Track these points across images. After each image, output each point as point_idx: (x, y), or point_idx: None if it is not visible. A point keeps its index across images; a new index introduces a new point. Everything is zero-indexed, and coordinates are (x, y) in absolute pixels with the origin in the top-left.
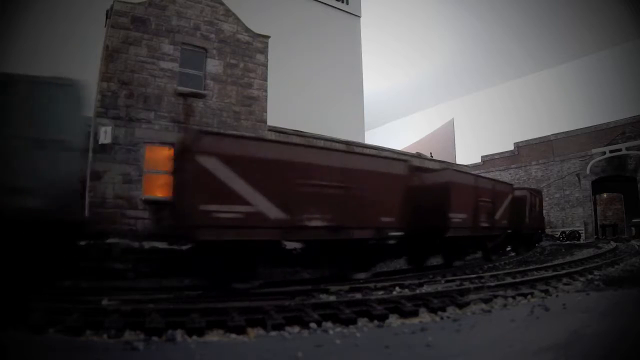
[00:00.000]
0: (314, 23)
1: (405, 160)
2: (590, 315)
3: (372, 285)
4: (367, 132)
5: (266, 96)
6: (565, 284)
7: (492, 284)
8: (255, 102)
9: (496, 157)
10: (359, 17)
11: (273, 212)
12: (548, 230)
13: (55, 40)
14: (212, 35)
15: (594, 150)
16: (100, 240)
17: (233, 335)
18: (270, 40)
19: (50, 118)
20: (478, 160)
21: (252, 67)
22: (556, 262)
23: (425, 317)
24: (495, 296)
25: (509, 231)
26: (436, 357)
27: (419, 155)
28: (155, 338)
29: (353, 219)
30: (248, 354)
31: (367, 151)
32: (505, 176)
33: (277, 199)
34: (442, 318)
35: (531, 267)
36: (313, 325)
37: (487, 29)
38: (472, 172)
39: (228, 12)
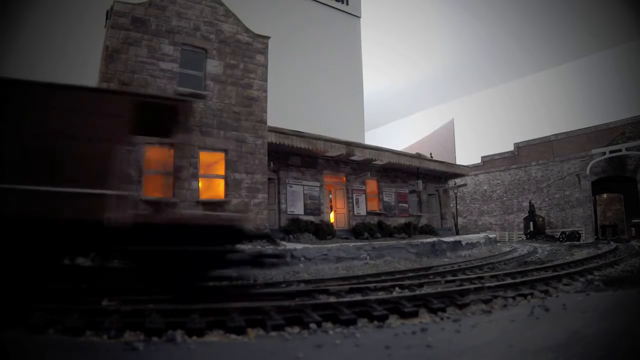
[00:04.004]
0: (314, 23)
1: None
2: (590, 315)
3: (372, 285)
4: (367, 132)
5: (266, 97)
6: (565, 285)
7: (492, 284)
8: (255, 103)
9: (496, 157)
10: (359, 17)
11: None
12: (548, 231)
13: (55, 41)
14: (212, 36)
15: (594, 151)
16: None
17: (233, 336)
18: (270, 41)
19: None
20: (478, 160)
21: (252, 68)
22: (556, 262)
23: (425, 317)
24: (495, 297)
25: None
26: (436, 357)
27: (419, 156)
28: (155, 338)
29: None
30: (248, 354)
31: None
32: (505, 177)
33: None
34: (442, 319)
35: (531, 267)
36: (313, 325)
37: (487, 29)
38: None
39: (228, 13)
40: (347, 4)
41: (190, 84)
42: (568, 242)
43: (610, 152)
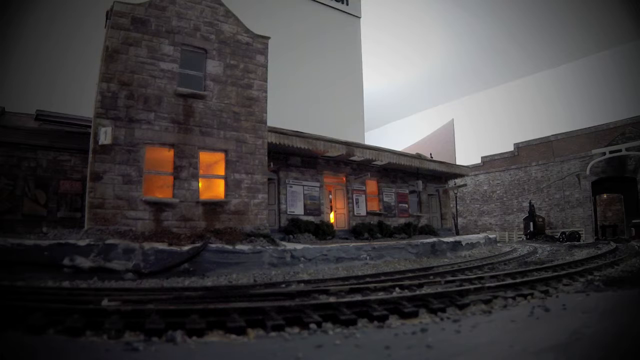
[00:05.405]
0: (314, 24)
1: None
2: (590, 315)
3: (371, 286)
4: (367, 132)
5: (266, 97)
6: (565, 285)
7: (492, 284)
8: (255, 103)
9: (496, 157)
10: (359, 17)
11: None
12: (548, 231)
13: (56, 41)
14: (212, 36)
15: (594, 151)
16: None
17: (233, 336)
18: (270, 41)
19: None
20: (478, 160)
21: (252, 68)
22: (556, 262)
23: (425, 317)
24: (496, 297)
25: None
26: (436, 357)
27: (419, 156)
28: (155, 339)
29: None
30: (248, 354)
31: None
32: (505, 177)
33: None
34: (442, 319)
35: (531, 267)
36: (313, 326)
37: (487, 30)
38: None
39: (228, 13)
40: (347, 4)
41: (190, 84)
42: (568, 243)
43: (610, 152)
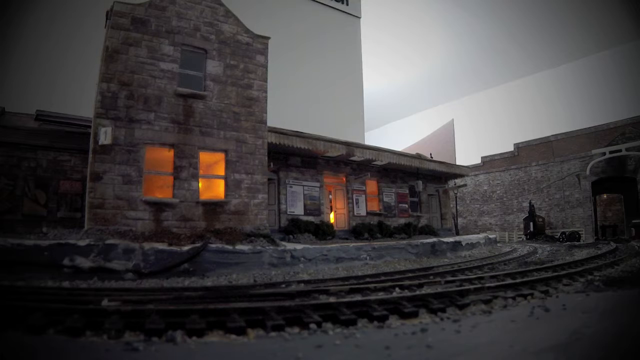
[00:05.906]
0: (314, 24)
1: None
2: (590, 315)
3: (371, 286)
4: (367, 132)
5: (266, 97)
6: (565, 285)
7: (492, 284)
8: (255, 103)
9: (496, 157)
10: (359, 17)
11: None
12: (548, 231)
13: (56, 41)
14: (212, 36)
15: (594, 151)
16: None
17: (233, 336)
18: (270, 41)
19: None
20: (478, 160)
21: (252, 68)
22: (556, 262)
23: (425, 318)
24: (496, 297)
25: None
26: (436, 357)
27: (419, 156)
28: (155, 339)
29: None
30: (248, 354)
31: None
32: (505, 177)
33: None
34: (442, 319)
35: (531, 267)
36: (313, 326)
37: (487, 30)
38: None
39: (228, 13)
40: (347, 4)
41: (190, 84)
42: (568, 243)
43: (610, 152)
